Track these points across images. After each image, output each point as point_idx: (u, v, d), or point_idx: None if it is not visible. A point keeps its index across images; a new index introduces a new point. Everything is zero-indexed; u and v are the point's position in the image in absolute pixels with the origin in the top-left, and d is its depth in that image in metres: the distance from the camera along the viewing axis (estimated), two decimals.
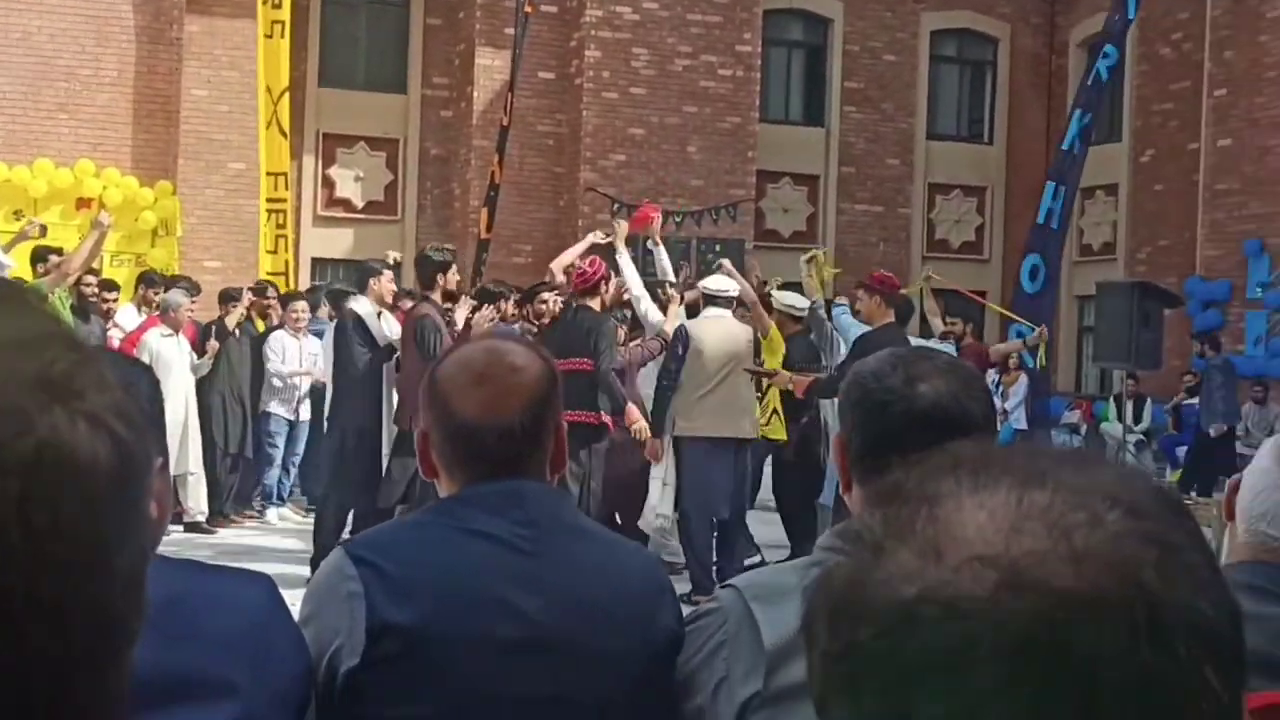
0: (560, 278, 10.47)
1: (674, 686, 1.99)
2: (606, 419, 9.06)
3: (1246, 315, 18.56)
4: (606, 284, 9.45)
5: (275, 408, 12.20)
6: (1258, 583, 2.07)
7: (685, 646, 2.00)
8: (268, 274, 15.51)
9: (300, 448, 12.50)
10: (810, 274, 10.56)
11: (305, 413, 12.39)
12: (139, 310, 12.17)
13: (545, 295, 10.55)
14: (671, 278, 10.89)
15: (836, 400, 2.44)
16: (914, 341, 8.81)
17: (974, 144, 23.15)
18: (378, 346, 9.36)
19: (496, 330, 9.14)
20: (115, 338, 11.23)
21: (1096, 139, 16.76)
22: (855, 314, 9.24)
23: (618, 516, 9.59)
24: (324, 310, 12.83)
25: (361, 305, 9.48)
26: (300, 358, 12.20)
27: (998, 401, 14.61)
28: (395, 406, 9.26)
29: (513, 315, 10.69)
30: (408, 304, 9.85)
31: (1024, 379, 16.02)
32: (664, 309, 9.90)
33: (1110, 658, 0.67)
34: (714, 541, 9.36)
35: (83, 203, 16.40)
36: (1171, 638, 0.68)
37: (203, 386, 11.53)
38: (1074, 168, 15.96)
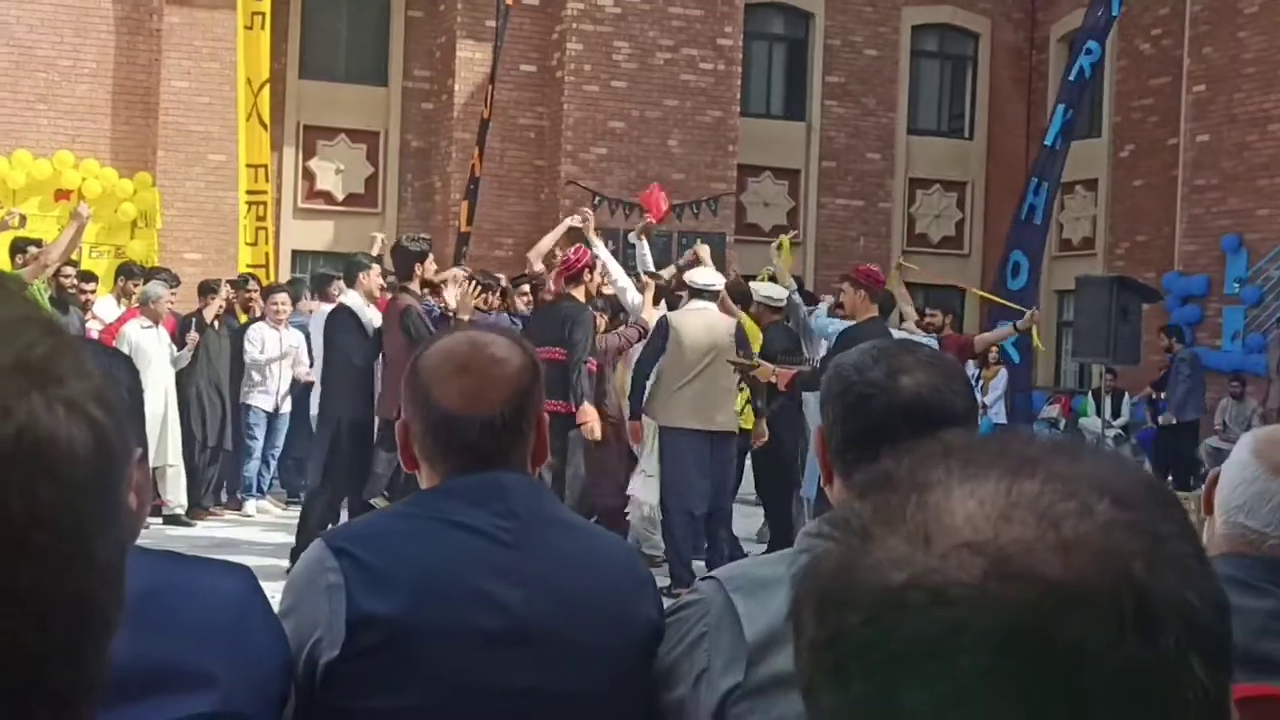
0: (539, 266, 10.46)
1: (655, 678, 1.99)
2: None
3: (1224, 310, 18.62)
4: (591, 272, 9.44)
5: (255, 400, 12.16)
6: (1236, 575, 2.08)
7: (666, 638, 2.00)
8: (248, 266, 15.45)
9: (280, 440, 12.46)
10: (778, 259, 10.81)
11: (286, 406, 12.35)
12: (118, 302, 12.13)
13: (524, 288, 10.56)
14: (650, 268, 10.89)
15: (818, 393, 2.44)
16: (895, 334, 8.81)
17: (954, 139, 23.19)
18: (369, 338, 9.37)
19: (483, 321, 9.11)
20: (94, 329, 11.17)
21: (1076, 134, 16.79)
22: (839, 307, 9.24)
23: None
24: (305, 303, 12.79)
25: (351, 298, 9.56)
26: (280, 350, 12.16)
27: (978, 395, 14.64)
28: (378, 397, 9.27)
29: (498, 306, 10.69)
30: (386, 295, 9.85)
31: (1004, 373, 16.06)
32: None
33: (1097, 648, 0.67)
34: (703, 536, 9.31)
35: (62, 194, 16.28)
36: (1159, 628, 0.68)
37: (182, 379, 11.50)
38: (1056, 163, 16.02)
